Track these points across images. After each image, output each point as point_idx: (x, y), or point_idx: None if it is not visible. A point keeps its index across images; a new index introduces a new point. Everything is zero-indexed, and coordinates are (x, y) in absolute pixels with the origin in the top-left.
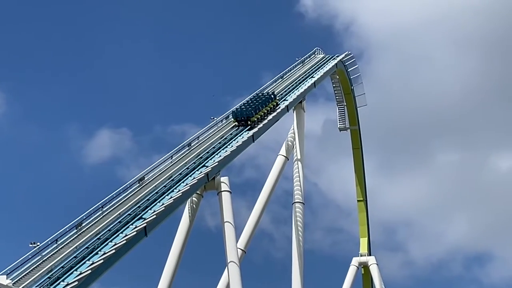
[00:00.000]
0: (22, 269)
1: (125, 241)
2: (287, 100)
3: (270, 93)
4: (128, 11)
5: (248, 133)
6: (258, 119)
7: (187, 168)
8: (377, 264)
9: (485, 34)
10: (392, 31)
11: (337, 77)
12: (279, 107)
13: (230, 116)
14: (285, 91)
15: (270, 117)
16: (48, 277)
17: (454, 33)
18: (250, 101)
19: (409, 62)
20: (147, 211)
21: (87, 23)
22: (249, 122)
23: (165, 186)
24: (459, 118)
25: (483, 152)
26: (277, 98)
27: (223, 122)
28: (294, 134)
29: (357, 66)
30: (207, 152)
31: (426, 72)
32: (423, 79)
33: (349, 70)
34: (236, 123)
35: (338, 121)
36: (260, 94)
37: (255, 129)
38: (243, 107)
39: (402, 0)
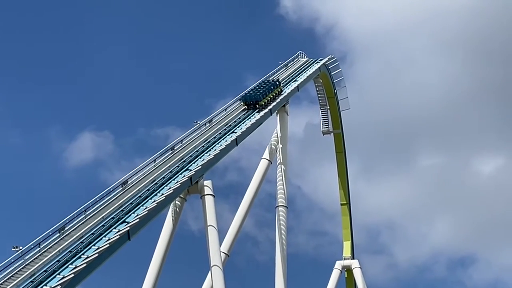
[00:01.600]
0: (5, 273)
1: (108, 245)
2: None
3: (275, 80)
4: (111, 13)
5: (231, 136)
6: (265, 103)
7: (171, 171)
8: (360, 267)
9: (468, 36)
10: (374, 33)
11: (321, 80)
12: (284, 93)
13: (240, 101)
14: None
15: (253, 120)
16: (31, 281)
17: (436, 35)
18: (257, 87)
19: (392, 65)
20: (130, 215)
21: (70, 25)
22: (257, 106)
23: (148, 189)
24: (441, 121)
25: (465, 156)
26: (281, 85)
27: (233, 106)
28: (277, 137)
29: (340, 69)
30: (191, 156)
31: (409, 75)
32: (405, 82)
33: (332, 73)
34: (246, 106)
35: (321, 125)
36: (266, 81)
37: (238, 133)
38: (251, 92)
39: (384, 3)
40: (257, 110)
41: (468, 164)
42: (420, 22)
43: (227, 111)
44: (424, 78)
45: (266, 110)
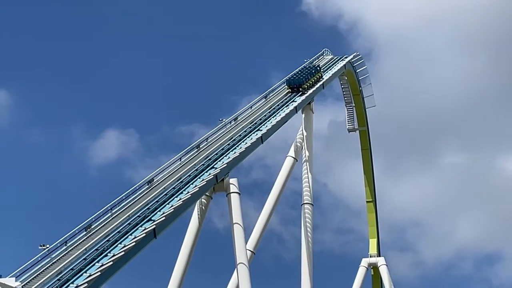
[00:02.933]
0: (32, 271)
1: (134, 243)
2: (295, 101)
3: (317, 65)
4: (136, 10)
5: (256, 134)
6: (307, 86)
7: (196, 169)
8: (386, 265)
9: (491, 34)
10: (398, 30)
11: (346, 78)
12: (323, 78)
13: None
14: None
15: (278, 118)
16: (58, 279)
17: (460, 33)
18: (300, 71)
19: (416, 62)
20: (156, 213)
21: (93, 24)
22: (300, 89)
23: (174, 187)
24: (465, 118)
25: (490, 153)
26: (321, 70)
27: (278, 89)
28: (302, 135)
29: (365, 67)
30: (216, 154)
31: (433, 72)
32: (429, 80)
33: (357, 71)
34: (290, 90)
35: (346, 122)
36: (308, 66)
37: (264, 131)
38: (295, 76)
39: (406, 1)
40: (300, 93)
41: (492, 162)
42: (444, 19)
43: (252, 108)
44: (447, 75)
45: (291, 107)
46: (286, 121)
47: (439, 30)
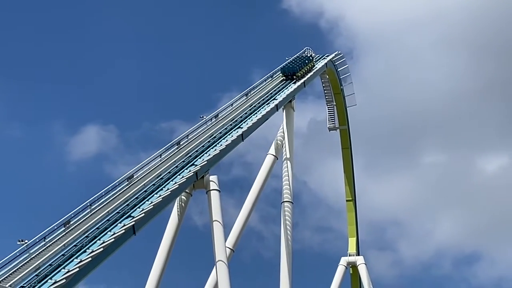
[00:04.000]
0: (10, 266)
1: (113, 239)
2: (276, 99)
3: (310, 55)
4: (117, 7)
5: (237, 131)
6: (301, 74)
7: (176, 166)
8: (365, 264)
9: (473, 34)
10: (380, 29)
11: (327, 76)
12: (315, 68)
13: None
14: (275, 90)
15: (259, 116)
16: (36, 275)
17: (441, 33)
18: (294, 60)
19: (397, 62)
20: (135, 209)
21: (74, 19)
22: (294, 77)
23: (154, 184)
24: (446, 118)
25: (470, 154)
26: (314, 60)
27: (273, 77)
28: (283, 133)
29: (347, 66)
30: (196, 151)
31: (414, 71)
32: (411, 79)
33: (339, 69)
34: (284, 77)
35: (327, 121)
36: (301, 56)
37: (244, 128)
38: (289, 64)
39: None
40: (294, 80)
41: (472, 162)
42: (426, 18)
43: (233, 106)
44: (429, 75)
45: (272, 105)
46: (267, 119)
47: (420, 30)
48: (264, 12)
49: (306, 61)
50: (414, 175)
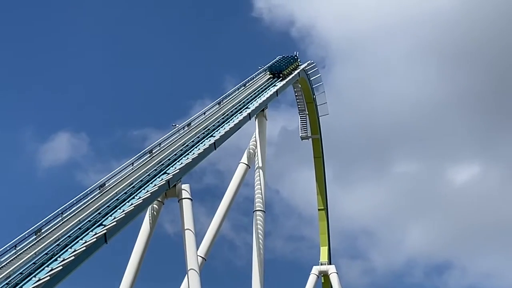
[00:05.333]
0: None
1: (84, 248)
2: (249, 108)
3: (294, 55)
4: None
5: (209, 140)
6: (287, 73)
7: (148, 175)
8: (337, 273)
9: (445, 44)
10: (352, 38)
11: (299, 85)
12: (299, 68)
13: (267, 70)
14: (247, 99)
15: (232, 124)
16: (6, 283)
17: (414, 42)
18: (280, 60)
19: (369, 71)
20: (107, 218)
21: (45, 25)
22: (281, 75)
23: (125, 192)
24: (418, 128)
25: (440, 164)
26: (298, 60)
27: (260, 75)
28: (255, 142)
29: (319, 75)
30: (169, 159)
31: (386, 81)
32: (383, 88)
33: (311, 79)
34: (271, 75)
35: (300, 130)
36: (287, 56)
37: (217, 137)
38: (276, 63)
39: (361, 7)
40: (281, 78)
41: (443, 172)
42: (398, 27)
43: (206, 114)
44: (401, 84)
45: (245, 114)
46: (240, 128)
47: (392, 38)
48: (235, 20)
49: (292, 60)
50: (385, 185)
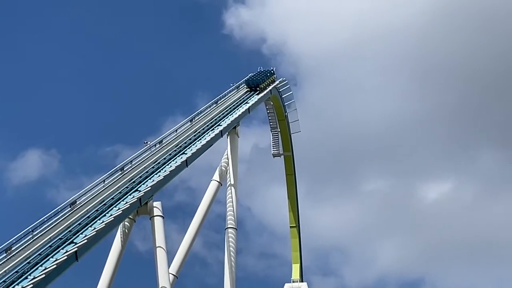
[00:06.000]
0: None
1: (55, 266)
2: (221, 125)
3: (271, 69)
4: (62, 30)
5: (181, 157)
6: (264, 86)
7: (120, 192)
8: None
9: (416, 61)
10: (323, 56)
11: (271, 103)
12: (276, 81)
13: (243, 84)
14: (219, 117)
15: (204, 142)
16: None
17: (386, 57)
18: (257, 74)
19: (340, 88)
20: (78, 236)
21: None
22: (258, 88)
23: (97, 210)
24: (388, 146)
25: (411, 181)
26: (274, 75)
27: (238, 88)
28: (227, 159)
29: (291, 92)
30: (140, 177)
31: (357, 98)
32: (353, 105)
33: (283, 96)
34: (249, 89)
35: (272, 147)
36: (263, 70)
37: (189, 154)
38: (253, 77)
39: (331, 24)
40: (258, 92)
41: (414, 189)
42: (370, 43)
43: (177, 132)
44: (372, 101)
45: (217, 131)
46: (211, 145)
47: (364, 55)
48: (207, 37)
49: (268, 74)
50: (357, 202)
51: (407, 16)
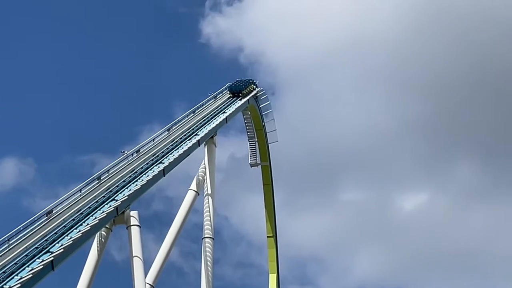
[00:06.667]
0: None
1: (31, 275)
2: (198, 134)
3: (250, 79)
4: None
5: (158, 167)
6: (246, 92)
7: (97, 201)
8: None
9: (394, 70)
10: (300, 65)
11: (249, 113)
12: (255, 90)
13: (226, 90)
14: (197, 126)
15: (181, 151)
16: None
17: (363, 68)
18: (240, 81)
19: (318, 98)
20: (54, 245)
21: None
22: (240, 94)
23: (73, 219)
24: (365, 156)
25: (387, 191)
26: (256, 83)
27: (221, 94)
28: (205, 168)
29: (269, 102)
30: (117, 186)
31: (334, 108)
32: (331, 115)
33: (260, 106)
34: (231, 95)
35: (249, 157)
36: (244, 80)
37: (166, 163)
38: (236, 83)
39: (309, 33)
40: (240, 97)
41: (390, 199)
42: (347, 54)
43: (155, 141)
44: (349, 111)
45: (194, 141)
46: (189, 155)
47: (340, 65)
48: (183, 46)
49: (250, 81)
50: (333, 212)
51: (382, 27)
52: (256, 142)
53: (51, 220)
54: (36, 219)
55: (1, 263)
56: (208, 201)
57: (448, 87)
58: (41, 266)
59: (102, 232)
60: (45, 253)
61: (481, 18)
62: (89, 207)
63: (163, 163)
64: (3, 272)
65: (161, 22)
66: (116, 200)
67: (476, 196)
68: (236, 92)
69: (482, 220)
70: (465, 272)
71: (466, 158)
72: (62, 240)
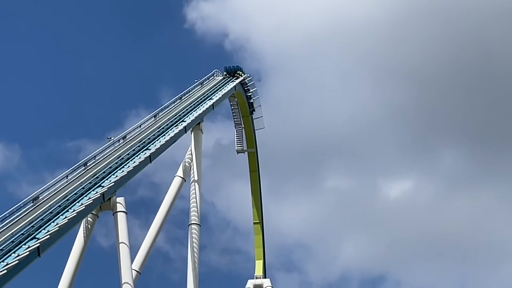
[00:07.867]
0: None
1: (17, 261)
2: (185, 121)
3: (237, 65)
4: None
5: (145, 153)
6: (239, 74)
7: (83, 188)
8: (271, 286)
9: (378, 60)
10: (286, 51)
11: (236, 99)
12: (242, 77)
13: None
14: (184, 112)
15: (167, 137)
16: None
17: (349, 56)
18: (226, 67)
19: (304, 84)
20: (40, 231)
21: None
22: (236, 74)
23: (59, 205)
24: (350, 143)
25: (373, 179)
26: (242, 70)
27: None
28: (191, 155)
29: (255, 89)
30: (104, 172)
31: (320, 94)
32: (317, 102)
33: (247, 93)
34: (227, 74)
35: (236, 143)
36: (232, 65)
37: (152, 150)
38: (231, 66)
39: (295, 19)
40: (236, 77)
41: (375, 187)
42: (333, 41)
43: (141, 127)
44: (335, 98)
45: (181, 127)
46: (175, 141)
47: (327, 52)
48: (168, 31)
49: (240, 69)
50: (319, 198)
51: (369, 14)
52: (243, 129)
53: (37, 206)
54: (22, 205)
55: None
56: (195, 187)
57: (433, 74)
58: (27, 253)
59: (89, 219)
60: (31, 239)
61: (465, 6)
62: (75, 194)
63: (150, 149)
64: None
65: (146, 7)
66: (103, 187)
67: (460, 183)
68: (232, 72)
69: (466, 207)
70: (449, 259)
71: (450, 146)
72: (48, 227)
